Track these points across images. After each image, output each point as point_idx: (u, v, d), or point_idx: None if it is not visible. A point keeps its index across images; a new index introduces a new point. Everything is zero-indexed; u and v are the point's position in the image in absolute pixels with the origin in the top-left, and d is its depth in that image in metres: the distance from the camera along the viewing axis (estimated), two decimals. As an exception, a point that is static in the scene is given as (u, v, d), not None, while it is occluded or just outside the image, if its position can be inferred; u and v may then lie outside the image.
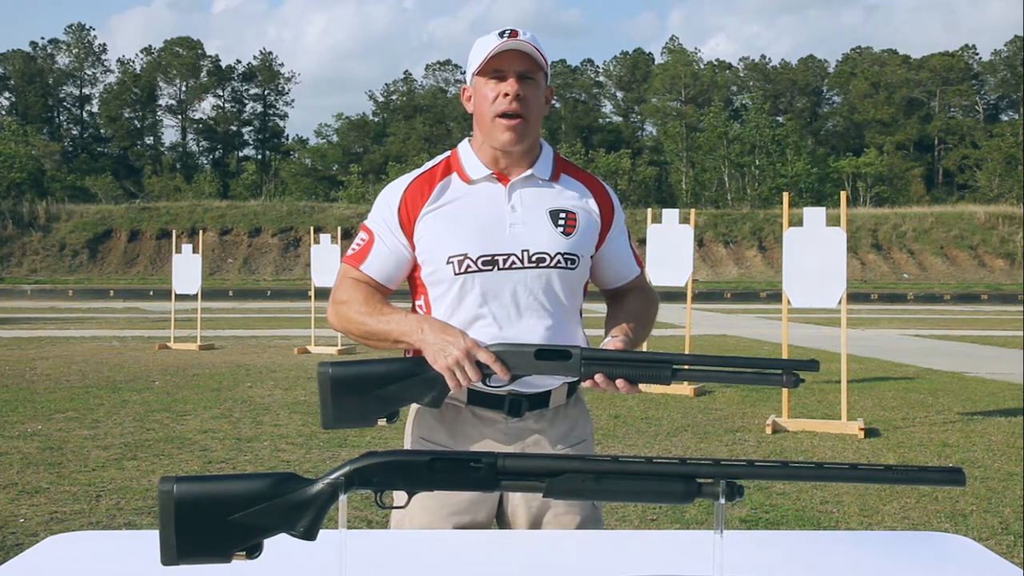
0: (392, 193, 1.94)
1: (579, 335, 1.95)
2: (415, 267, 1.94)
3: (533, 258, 1.87)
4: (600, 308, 2.05)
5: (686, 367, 1.65)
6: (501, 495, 1.94)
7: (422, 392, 1.74)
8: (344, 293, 1.91)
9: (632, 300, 2.02)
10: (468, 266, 1.86)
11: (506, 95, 1.85)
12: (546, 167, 1.96)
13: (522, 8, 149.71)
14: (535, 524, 1.93)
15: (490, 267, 1.86)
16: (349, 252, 1.97)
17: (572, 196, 1.95)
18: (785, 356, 7.88)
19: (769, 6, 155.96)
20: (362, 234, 1.96)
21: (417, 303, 1.97)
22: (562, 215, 1.91)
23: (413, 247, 1.91)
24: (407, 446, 2.00)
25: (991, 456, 6.42)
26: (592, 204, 1.96)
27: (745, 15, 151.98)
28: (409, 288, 2.00)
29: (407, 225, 1.90)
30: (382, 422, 1.74)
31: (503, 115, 1.86)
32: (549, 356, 1.69)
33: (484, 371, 1.71)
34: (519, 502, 1.93)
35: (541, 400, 1.91)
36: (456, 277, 1.87)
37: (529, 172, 1.93)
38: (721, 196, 56.53)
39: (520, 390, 1.86)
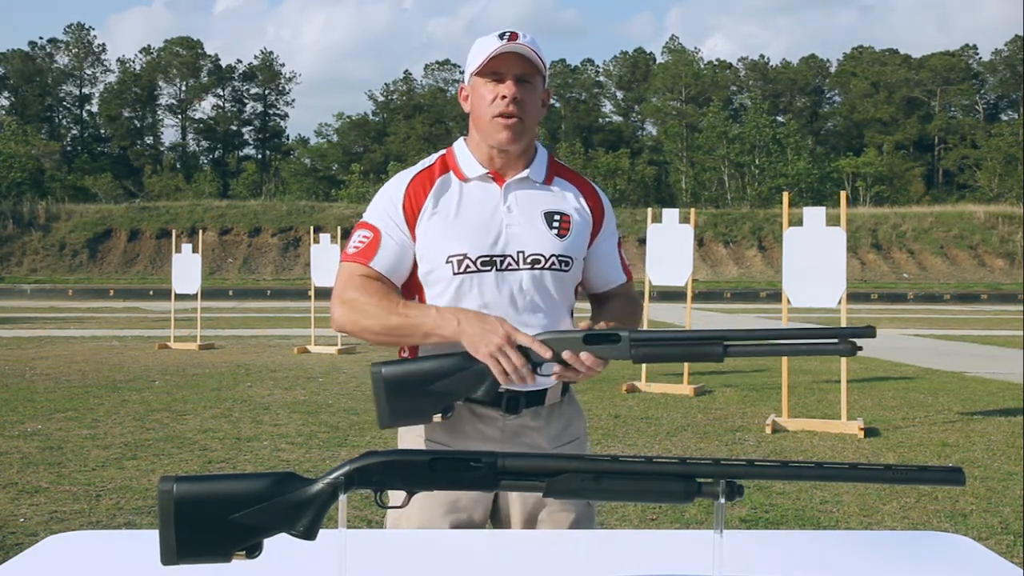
0: (395, 189, 1.94)
1: None
2: (413, 265, 1.94)
3: (529, 259, 1.89)
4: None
5: (738, 343, 1.60)
6: (496, 492, 1.94)
7: (474, 385, 1.74)
8: (355, 291, 1.87)
9: (616, 303, 2.05)
10: (467, 266, 1.87)
11: (503, 97, 1.86)
12: (540, 170, 1.98)
13: (518, 9, 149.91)
14: (530, 521, 1.95)
15: (488, 268, 1.88)
16: (352, 251, 1.93)
17: (566, 198, 1.97)
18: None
19: (765, 6, 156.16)
20: (364, 231, 1.92)
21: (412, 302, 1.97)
22: (557, 217, 1.93)
23: (415, 242, 1.92)
24: (404, 444, 2.00)
25: (991, 456, 6.42)
26: (584, 206, 1.99)
27: (741, 15, 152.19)
28: (401, 287, 1.99)
29: (411, 220, 1.91)
30: (437, 418, 1.75)
31: (499, 115, 1.87)
32: (598, 340, 1.70)
33: (533, 359, 1.71)
34: (514, 500, 1.95)
35: (537, 398, 1.92)
36: (455, 277, 1.88)
37: (525, 174, 1.95)
38: (721, 196, 56.52)
39: (517, 388, 1.87)
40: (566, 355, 1.70)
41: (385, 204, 1.93)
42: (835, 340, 1.55)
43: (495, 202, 1.92)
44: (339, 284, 1.91)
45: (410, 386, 1.73)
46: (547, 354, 1.71)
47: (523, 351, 1.72)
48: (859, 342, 1.53)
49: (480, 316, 1.77)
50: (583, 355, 1.70)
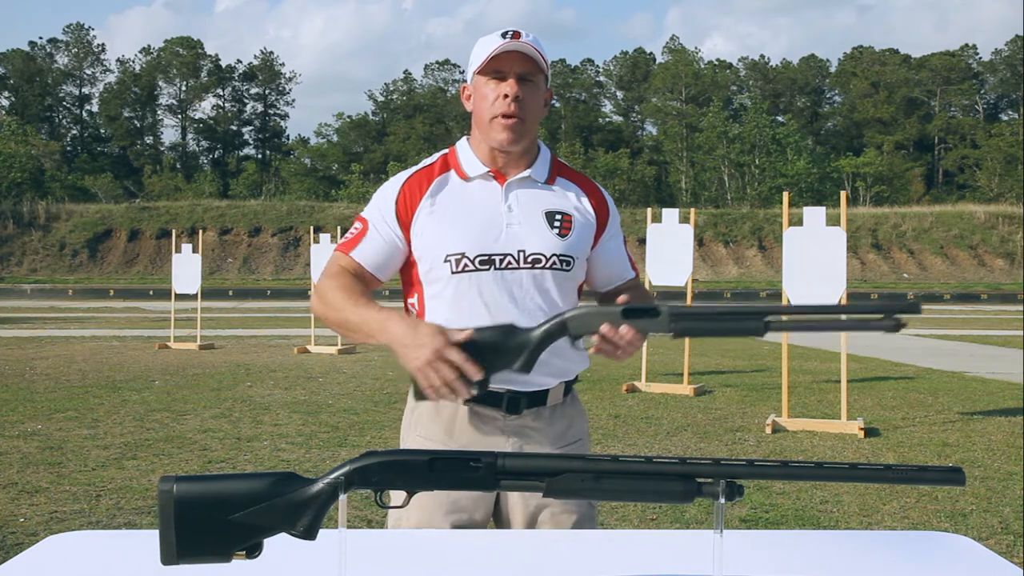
0: (390, 187, 1.95)
1: None
2: (412, 264, 1.94)
3: (529, 259, 1.88)
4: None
5: (780, 318, 1.56)
6: (498, 493, 1.94)
7: (511, 359, 1.70)
8: (328, 279, 1.89)
9: (631, 293, 2.01)
10: (466, 265, 1.86)
11: (505, 96, 1.86)
12: (543, 169, 1.97)
13: (518, 9, 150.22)
14: (531, 522, 1.94)
15: (487, 267, 1.87)
16: (341, 241, 1.96)
17: (568, 198, 1.96)
18: (784, 355, 7.91)
19: (765, 6, 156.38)
20: (356, 224, 1.95)
21: (410, 301, 1.97)
22: (558, 217, 1.92)
23: (408, 241, 1.91)
24: (405, 444, 2.00)
25: (991, 456, 6.42)
26: (587, 206, 1.97)
27: (741, 15, 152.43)
28: (402, 285, 2.00)
29: (404, 218, 1.91)
30: (472, 391, 1.73)
31: (500, 116, 1.87)
32: (637, 314, 1.65)
33: (572, 334, 1.67)
34: (516, 500, 1.94)
35: (539, 398, 1.92)
36: (453, 276, 1.87)
37: (526, 173, 1.94)
38: (721, 196, 56.54)
39: (518, 388, 1.87)
40: (605, 328, 1.64)
41: (380, 201, 1.95)
42: (879, 315, 1.49)
43: (495, 201, 1.91)
44: (322, 271, 1.94)
45: None
46: (478, 375, 1.66)
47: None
48: (903, 318, 1.46)
49: (414, 327, 1.71)
50: (622, 329, 1.64)
